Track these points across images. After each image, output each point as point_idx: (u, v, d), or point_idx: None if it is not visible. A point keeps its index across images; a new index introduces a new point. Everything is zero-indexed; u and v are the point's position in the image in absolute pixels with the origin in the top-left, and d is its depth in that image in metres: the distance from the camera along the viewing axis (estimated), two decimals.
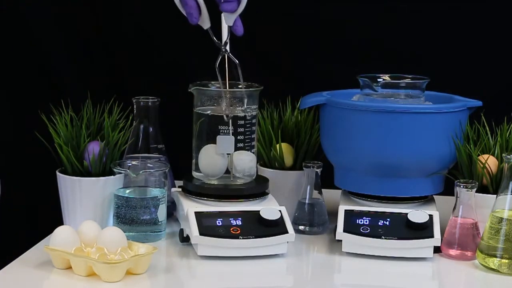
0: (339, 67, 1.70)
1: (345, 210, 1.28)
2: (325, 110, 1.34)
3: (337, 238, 1.26)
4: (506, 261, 1.18)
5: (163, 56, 1.81)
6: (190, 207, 1.26)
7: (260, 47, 1.76)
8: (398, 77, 1.37)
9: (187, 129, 1.35)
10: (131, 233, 1.26)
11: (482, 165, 1.27)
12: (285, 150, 1.41)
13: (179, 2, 1.21)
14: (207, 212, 1.25)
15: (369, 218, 1.26)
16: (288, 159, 1.42)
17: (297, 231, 1.32)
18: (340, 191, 1.38)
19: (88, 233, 1.19)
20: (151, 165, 1.31)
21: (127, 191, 1.30)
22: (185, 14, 1.20)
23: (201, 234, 1.22)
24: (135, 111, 1.39)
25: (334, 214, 1.31)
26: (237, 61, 1.24)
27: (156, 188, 1.30)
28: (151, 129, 1.40)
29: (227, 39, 1.24)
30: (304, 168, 1.37)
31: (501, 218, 1.20)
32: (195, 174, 1.32)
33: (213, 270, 1.20)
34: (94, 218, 1.26)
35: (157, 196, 1.29)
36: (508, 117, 1.31)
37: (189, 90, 1.32)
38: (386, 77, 1.36)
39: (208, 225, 1.23)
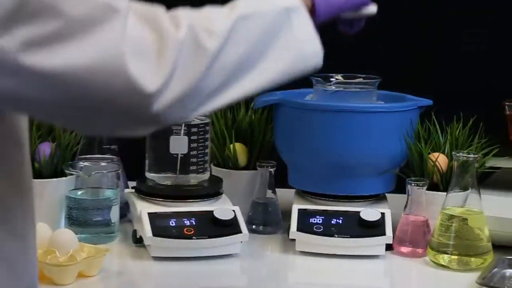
0: None
1: (299, 209, 1.29)
2: (279, 109, 1.35)
3: (290, 237, 1.27)
4: (456, 257, 1.20)
5: None
6: (143, 208, 1.25)
7: None
8: (350, 77, 1.38)
9: None
10: (83, 235, 1.24)
11: (432, 163, 1.29)
12: (239, 149, 1.42)
13: None
14: (160, 212, 1.24)
15: (322, 217, 1.27)
16: (242, 159, 1.42)
17: (251, 230, 1.32)
18: (294, 190, 1.38)
19: (40, 236, 1.17)
20: (103, 166, 1.30)
21: (79, 192, 1.29)
22: None
23: (154, 235, 1.21)
24: None
25: (288, 214, 1.31)
26: None
27: (109, 189, 1.29)
28: None
29: None
30: (258, 167, 1.37)
31: (451, 215, 1.21)
32: (148, 175, 1.32)
33: (167, 271, 1.19)
34: (45, 220, 1.24)
35: (110, 197, 1.28)
36: (457, 116, 1.33)
37: None
38: (339, 77, 1.37)
39: (162, 226, 1.22)
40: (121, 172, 1.32)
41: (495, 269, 1.17)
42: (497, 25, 1.75)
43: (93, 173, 1.27)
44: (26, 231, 0.83)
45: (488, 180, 1.35)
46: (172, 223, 1.23)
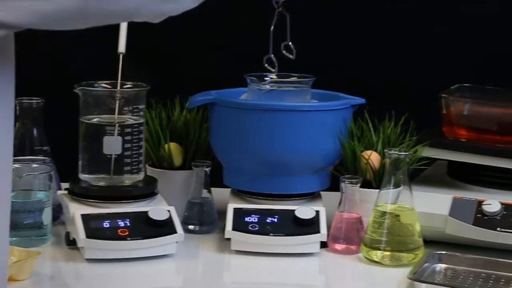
0: (228, 66, 1.71)
1: (234, 209, 1.29)
2: (213, 109, 1.35)
3: (226, 236, 1.27)
4: (389, 253, 1.22)
5: (47, 55, 1.77)
6: (76, 210, 1.24)
7: (148, 45, 1.75)
8: (284, 76, 1.39)
9: (73, 130, 1.33)
10: (14, 238, 1.22)
11: (365, 161, 1.31)
12: (174, 149, 1.41)
13: None
14: (94, 214, 1.23)
15: (258, 216, 1.28)
16: (177, 159, 1.41)
17: (187, 230, 1.32)
18: (230, 189, 1.38)
19: None
20: (35, 168, 1.27)
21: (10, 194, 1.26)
22: None
23: (88, 236, 1.20)
24: (18, 113, 1.35)
25: (223, 213, 1.31)
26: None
27: (40, 191, 1.27)
28: (35, 131, 1.36)
29: None
30: (193, 167, 1.36)
31: (384, 212, 1.23)
32: (81, 176, 1.30)
33: (101, 273, 1.18)
34: None
35: (42, 199, 1.26)
36: (389, 115, 1.35)
37: (74, 91, 1.29)
38: (273, 76, 1.38)
39: (95, 227, 1.21)
40: (53, 174, 1.30)
41: (426, 264, 1.19)
42: (427, 24, 1.79)
43: (24, 174, 1.25)
44: (5, 205, 0.80)
45: (419, 177, 1.38)
46: (106, 224, 1.22)
